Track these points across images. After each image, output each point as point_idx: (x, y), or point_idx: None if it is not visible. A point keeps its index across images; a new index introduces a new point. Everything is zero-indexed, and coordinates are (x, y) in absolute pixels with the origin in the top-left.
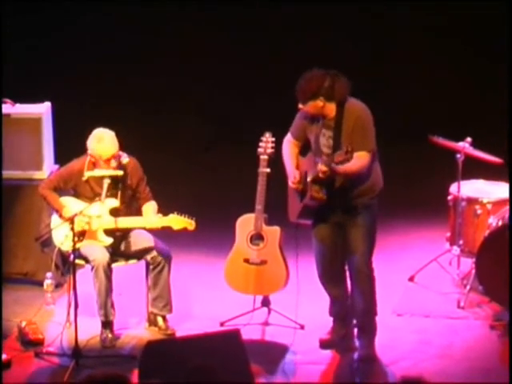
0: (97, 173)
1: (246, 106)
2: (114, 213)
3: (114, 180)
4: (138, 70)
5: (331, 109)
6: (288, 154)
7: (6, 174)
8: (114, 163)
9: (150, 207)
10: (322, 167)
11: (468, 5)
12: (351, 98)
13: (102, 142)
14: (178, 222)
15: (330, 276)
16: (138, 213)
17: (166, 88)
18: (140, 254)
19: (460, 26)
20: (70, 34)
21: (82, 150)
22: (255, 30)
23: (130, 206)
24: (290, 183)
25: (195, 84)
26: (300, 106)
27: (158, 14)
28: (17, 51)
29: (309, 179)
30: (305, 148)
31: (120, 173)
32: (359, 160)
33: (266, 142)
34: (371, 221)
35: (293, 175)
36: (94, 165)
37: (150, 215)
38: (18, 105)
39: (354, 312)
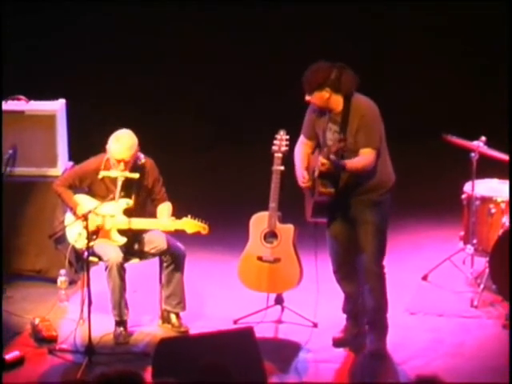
0: (112, 173)
1: (247, 105)
2: (128, 213)
3: (130, 181)
4: (141, 70)
5: (337, 101)
6: (299, 157)
7: (20, 170)
8: (122, 166)
9: (165, 208)
10: (321, 160)
11: (468, 5)
12: (358, 93)
13: (118, 142)
14: (191, 225)
15: (344, 273)
16: (153, 214)
17: (167, 88)
18: (154, 253)
19: (460, 26)
20: (82, 30)
21: (96, 147)
22: (255, 29)
23: (145, 207)
24: (300, 183)
25: (195, 84)
26: (307, 97)
27: (158, 13)
28: (30, 48)
29: (315, 174)
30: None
31: (136, 176)
32: (364, 157)
33: (281, 139)
34: (381, 218)
35: (301, 175)
36: (110, 164)
37: (165, 217)
38: (32, 102)
39: (364, 310)
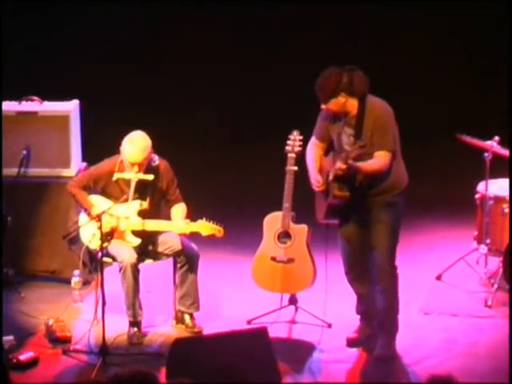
0: (126, 175)
1: (262, 104)
2: (143, 214)
3: (144, 182)
4: (155, 70)
5: (353, 105)
6: (311, 158)
7: (34, 171)
8: (136, 168)
9: (180, 210)
10: (339, 165)
11: (468, 5)
12: (371, 95)
13: (132, 145)
14: (206, 228)
15: (356, 274)
16: (167, 215)
17: (181, 88)
18: (168, 254)
19: (460, 25)
20: (94, 30)
21: (110, 148)
22: (258, 29)
23: (159, 209)
24: (315, 188)
25: (211, 84)
26: (322, 106)
27: (174, 13)
28: (44, 47)
29: (330, 178)
30: (330, 149)
31: (150, 177)
32: (379, 160)
33: (294, 140)
34: (394, 218)
35: (315, 179)
36: (124, 166)
37: (179, 218)
38: (45, 102)
39: (375, 309)
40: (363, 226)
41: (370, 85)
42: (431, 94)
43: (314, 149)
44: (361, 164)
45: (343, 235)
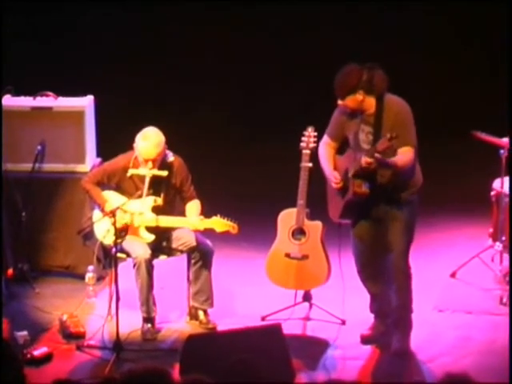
0: (141, 171)
1: (276, 102)
2: (157, 211)
3: (158, 178)
4: (167, 67)
5: (371, 103)
6: (325, 157)
7: (48, 167)
8: (150, 165)
9: (194, 206)
10: (366, 159)
11: (468, 5)
12: (389, 94)
13: (147, 141)
14: (220, 224)
15: (369, 273)
16: (182, 212)
17: (195, 85)
18: (182, 250)
19: (475, 21)
20: (112, 25)
21: (124, 144)
22: (276, 25)
23: (173, 205)
24: (333, 184)
25: (226, 82)
26: (339, 102)
27: (187, 13)
28: (57, 44)
29: (350, 174)
30: (341, 149)
31: (164, 173)
32: (404, 155)
33: (309, 136)
34: (411, 216)
35: (333, 176)
36: (138, 162)
37: (194, 215)
38: (60, 98)
39: (390, 308)
40: (377, 225)
41: (389, 83)
42: (446, 91)
43: (326, 148)
44: (388, 158)
45: (356, 234)
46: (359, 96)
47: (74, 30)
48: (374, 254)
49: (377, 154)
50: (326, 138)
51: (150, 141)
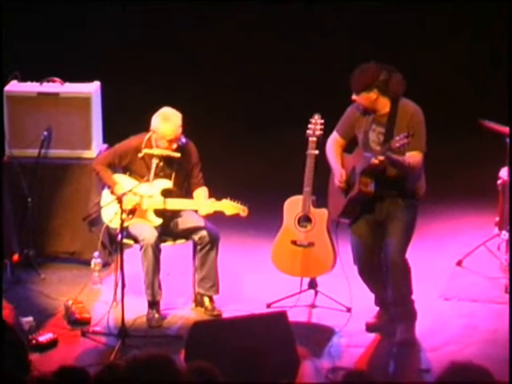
0: (155, 151)
1: (283, 89)
2: (166, 194)
3: (170, 161)
4: (175, 54)
5: (384, 103)
6: (332, 153)
7: (55, 152)
8: (175, 145)
9: (202, 193)
10: (379, 158)
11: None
12: (405, 98)
13: (168, 121)
14: (230, 207)
15: (370, 273)
16: (189, 196)
17: (203, 72)
18: (188, 234)
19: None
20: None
21: (131, 130)
22: (283, 16)
23: (182, 189)
24: (337, 182)
25: (232, 69)
26: (353, 96)
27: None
28: (67, 32)
29: (358, 171)
30: (349, 147)
31: (177, 155)
32: (413, 157)
33: (315, 123)
34: (411, 219)
35: (339, 173)
36: (151, 143)
37: (202, 200)
38: (67, 84)
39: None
40: (376, 224)
41: (406, 88)
42: (453, 80)
43: (334, 145)
44: (397, 156)
45: (355, 232)
46: (373, 95)
47: (83, 16)
48: (373, 253)
49: (389, 152)
50: (335, 135)
51: (172, 121)
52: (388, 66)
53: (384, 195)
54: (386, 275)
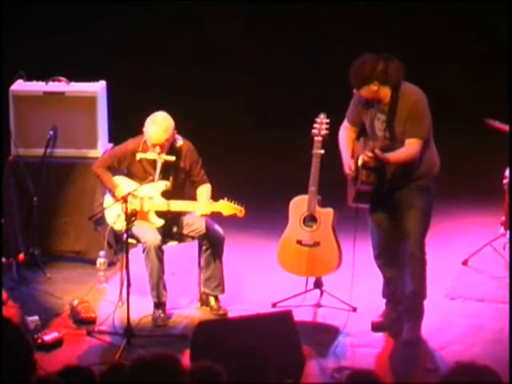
0: (149, 155)
1: (288, 88)
2: (166, 195)
3: (167, 163)
4: (181, 53)
5: (386, 93)
6: (344, 142)
7: (60, 152)
8: (158, 149)
9: (204, 190)
10: (367, 153)
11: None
12: (405, 82)
13: (154, 125)
14: (227, 208)
15: (386, 258)
16: (191, 196)
17: (207, 71)
18: (192, 236)
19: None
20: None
21: (136, 129)
22: (289, 14)
23: (183, 190)
24: (346, 171)
25: (235, 68)
26: (355, 91)
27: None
28: (69, 30)
29: (359, 164)
30: (362, 132)
31: (172, 158)
32: (408, 147)
33: (321, 123)
34: (427, 203)
35: (348, 164)
36: (148, 146)
37: (203, 199)
38: (72, 83)
39: (403, 294)
40: (394, 211)
41: (405, 73)
42: (459, 80)
43: (346, 133)
44: (388, 154)
45: (374, 220)
46: (374, 86)
47: (88, 16)
48: (391, 240)
49: (377, 150)
50: (346, 123)
51: (158, 126)
52: (384, 55)
53: (397, 181)
54: (403, 266)
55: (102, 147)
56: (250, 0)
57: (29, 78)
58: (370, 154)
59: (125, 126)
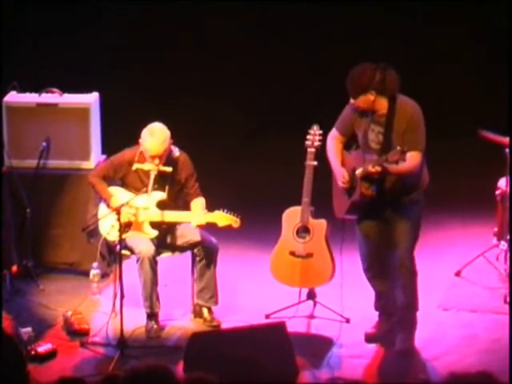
0: (146, 166)
1: (282, 99)
2: (161, 206)
3: (163, 174)
4: (175, 60)
5: (382, 103)
6: (333, 152)
7: (54, 163)
8: (157, 161)
9: (199, 203)
10: (376, 167)
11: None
12: (400, 94)
13: (153, 137)
14: (223, 218)
15: (375, 271)
16: (185, 208)
17: (203, 80)
18: (186, 247)
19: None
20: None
21: (130, 141)
22: (285, 23)
23: (178, 201)
24: (340, 183)
25: (232, 76)
26: (351, 101)
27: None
28: (61, 40)
29: (358, 175)
30: (349, 142)
31: (169, 169)
32: (411, 160)
33: (314, 134)
34: (417, 215)
35: (341, 175)
36: (144, 156)
37: (198, 210)
38: (65, 95)
39: (395, 306)
40: (383, 222)
41: (401, 84)
42: (452, 90)
43: (334, 143)
44: (393, 167)
45: (362, 232)
46: (371, 96)
47: (79, 26)
48: (380, 251)
49: (386, 164)
50: (334, 132)
51: (156, 137)
52: (382, 65)
53: (389, 195)
54: (394, 278)
55: (94, 159)
56: (249, 0)
57: (22, 90)
58: (379, 169)
59: (118, 137)
